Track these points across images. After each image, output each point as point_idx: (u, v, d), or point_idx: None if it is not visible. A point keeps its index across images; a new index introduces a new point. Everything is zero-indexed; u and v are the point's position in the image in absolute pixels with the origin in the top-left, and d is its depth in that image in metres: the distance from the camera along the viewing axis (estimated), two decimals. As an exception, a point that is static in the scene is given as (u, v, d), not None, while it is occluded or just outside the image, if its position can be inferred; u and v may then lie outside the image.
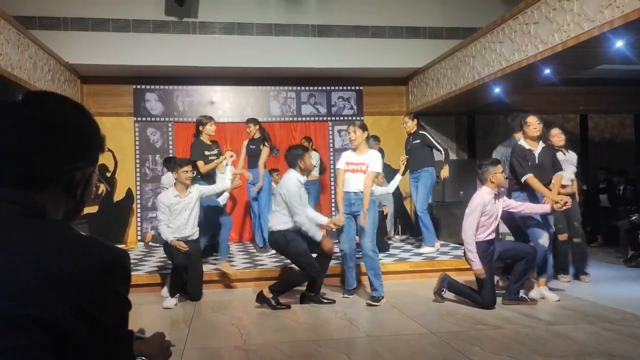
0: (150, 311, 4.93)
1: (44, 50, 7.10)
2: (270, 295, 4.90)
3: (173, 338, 4.00)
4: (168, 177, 6.74)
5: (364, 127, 5.18)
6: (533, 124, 5.09)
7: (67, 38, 7.92)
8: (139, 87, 9.06)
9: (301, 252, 4.96)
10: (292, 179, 5.01)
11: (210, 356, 3.76)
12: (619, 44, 5.22)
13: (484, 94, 7.85)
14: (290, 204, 4.92)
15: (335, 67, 8.84)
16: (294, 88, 9.49)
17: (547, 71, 6.42)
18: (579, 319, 4.39)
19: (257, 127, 7.32)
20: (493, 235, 4.88)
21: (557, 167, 5.20)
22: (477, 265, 4.73)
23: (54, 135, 0.94)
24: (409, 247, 7.56)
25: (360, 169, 5.09)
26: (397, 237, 8.68)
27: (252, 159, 7.22)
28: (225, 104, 9.33)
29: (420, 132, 7.13)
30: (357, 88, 9.68)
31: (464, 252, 4.87)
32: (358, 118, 9.52)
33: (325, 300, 5.10)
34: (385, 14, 8.86)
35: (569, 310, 4.67)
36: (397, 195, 8.41)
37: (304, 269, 4.98)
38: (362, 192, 5.04)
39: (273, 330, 4.29)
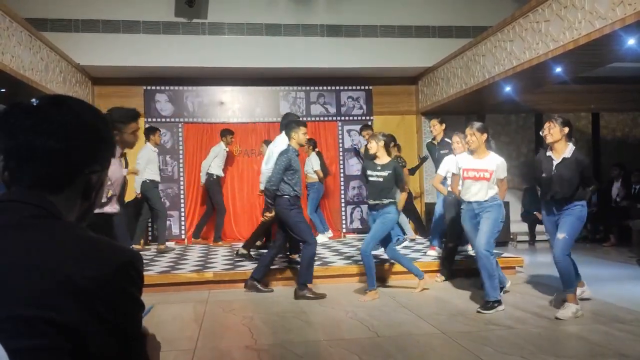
0: (162, 312, 4.95)
1: (55, 52, 7.16)
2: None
3: (185, 337, 4.03)
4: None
5: (481, 130, 4.79)
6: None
7: (78, 40, 7.98)
8: (149, 88, 9.11)
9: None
10: None
11: (221, 356, 3.77)
12: (631, 41, 5.17)
13: (494, 93, 7.80)
14: None
15: (345, 67, 8.84)
16: (303, 88, 9.49)
17: (558, 69, 6.38)
18: (591, 319, 4.35)
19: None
20: None
21: None
22: None
23: (79, 137, 0.96)
24: (419, 247, 7.54)
25: (484, 177, 4.73)
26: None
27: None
28: (234, 104, 9.36)
29: (446, 139, 6.53)
30: (367, 88, 9.66)
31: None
32: (368, 118, 9.52)
33: None
34: (394, 13, 8.84)
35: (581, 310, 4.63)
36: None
37: None
38: (485, 201, 4.75)
39: (284, 330, 4.30)
